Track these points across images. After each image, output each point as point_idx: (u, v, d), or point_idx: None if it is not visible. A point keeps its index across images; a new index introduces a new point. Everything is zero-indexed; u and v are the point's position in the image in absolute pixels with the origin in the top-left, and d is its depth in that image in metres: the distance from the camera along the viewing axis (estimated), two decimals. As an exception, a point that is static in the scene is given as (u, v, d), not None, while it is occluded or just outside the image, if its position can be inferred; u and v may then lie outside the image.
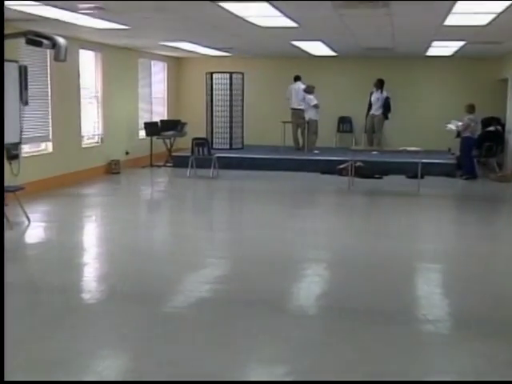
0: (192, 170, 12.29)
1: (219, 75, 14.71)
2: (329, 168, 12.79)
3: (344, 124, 15.87)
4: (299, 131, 14.82)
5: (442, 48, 12.49)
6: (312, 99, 14.30)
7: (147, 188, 11.96)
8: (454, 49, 12.59)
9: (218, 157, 12.51)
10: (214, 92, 14.74)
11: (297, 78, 14.73)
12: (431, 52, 13.29)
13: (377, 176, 12.37)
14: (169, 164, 13.93)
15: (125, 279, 5.65)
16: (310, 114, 14.38)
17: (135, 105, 14.21)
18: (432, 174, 12.29)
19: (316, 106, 14.32)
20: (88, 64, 12.21)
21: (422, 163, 11.01)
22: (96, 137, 12.66)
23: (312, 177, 12.50)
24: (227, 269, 6.17)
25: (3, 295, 4.68)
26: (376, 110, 14.27)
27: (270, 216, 8.81)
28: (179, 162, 13.38)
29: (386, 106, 14.24)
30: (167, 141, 14.30)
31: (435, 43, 11.61)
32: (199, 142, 12.29)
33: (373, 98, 14.28)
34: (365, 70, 15.24)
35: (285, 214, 9.05)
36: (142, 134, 14.19)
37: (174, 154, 14.12)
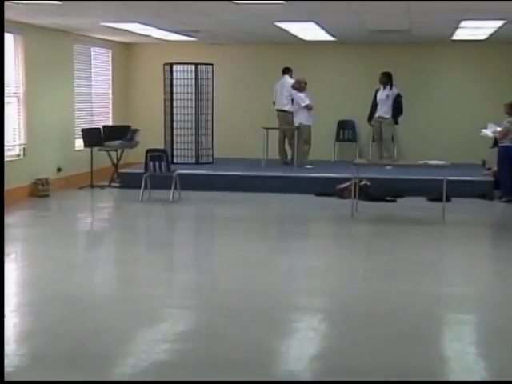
0: (146, 192, 12.24)
1: (181, 67, 14.75)
2: (326, 188, 12.81)
3: (345, 130, 15.96)
4: (286, 140, 14.87)
5: (474, 29, 12.63)
6: (303, 98, 14.34)
7: (86, 216, 11.87)
8: (490, 30, 12.73)
9: (181, 174, 12.49)
10: (174, 89, 14.76)
11: (285, 71, 14.81)
12: (459, 35, 13.43)
13: (388, 198, 12.41)
14: (115, 184, 13.88)
15: (55, 338, 5.57)
16: (300, 118, 14.42)
17: (70, 106, 14.17)
18: (461, 195, 12.34)
19: (308, 107, 14.36)
20: (5, 51, 12.15)
21: (448, 181, 11.06)
22: (17, 148, 12.57)
23: (304, 200, 12.51)
24: (192, 322, 6.13)
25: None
26: (385, 112, 14.36)
27: (249, 252, 8.77)
28: (129, 182, 13.35)
29: (397, 107, 14.33)
30: (113, 153, 14.26)
31: (464, 23, 11.73)
32: (155, 155, 12.25)
33: (380, 97, 14.38)
34: (372, 60, 15.37)
35: (269, 250, 9.02)
36: (80, 144, 14.13)
37: (121, 170, 14.07)
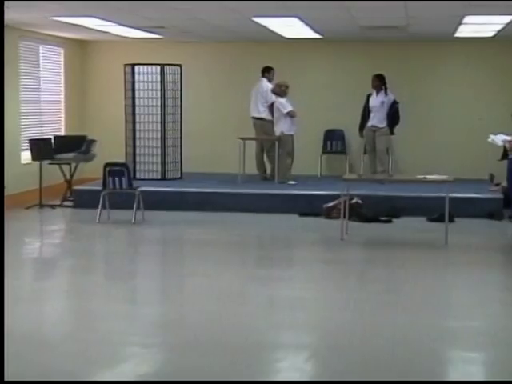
0: (104, 212, 12.21)
1: (145, 68, 14.75)
2: (311, 207, 12.85)
3: (333, 141, 16.00)
4: (265, 152, 14.87)
5: (479, 26, 12.73)
6: (284, 104, 14.35)
7: (35, 241, 11.81)
8: (497, 27, 12.84)
9: (144, 191, 12.46)
10: (136, 94, 14.75)
11: (264, 71, 14.77)
12: (463, 32, 13.52)
13: (383, 219, 12.45)
14: (68, 203, 13.84)
15: (-2, 382, 5.52)
16: (281, 127, 14.41)
17: (15, 112, 14.10)
18: (466, 214, 12.41)
19: (290, 115, 14.37)
20: None
21: (451, 199, 11.10)
22: (-46, 162, 12.53)
23: (286, 221, 12.52)
24: (158, 363, 6.09)
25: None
26: (378, 121, 14.40)
27: (224, 281, 8.76)
28: (84, 200, 13.31)
29: (394, 115, 14.37)
30: (66, 167, 14.21)
31: (468, 19, 11.81)
32: (115, 170, 12.22)
33: (373, 103, 14.43)
34: (364, 60, 15.44)
35: (247, 278, 9.01)
36: (27, 156, 14.07)
37: (76, 187, 14.03)
